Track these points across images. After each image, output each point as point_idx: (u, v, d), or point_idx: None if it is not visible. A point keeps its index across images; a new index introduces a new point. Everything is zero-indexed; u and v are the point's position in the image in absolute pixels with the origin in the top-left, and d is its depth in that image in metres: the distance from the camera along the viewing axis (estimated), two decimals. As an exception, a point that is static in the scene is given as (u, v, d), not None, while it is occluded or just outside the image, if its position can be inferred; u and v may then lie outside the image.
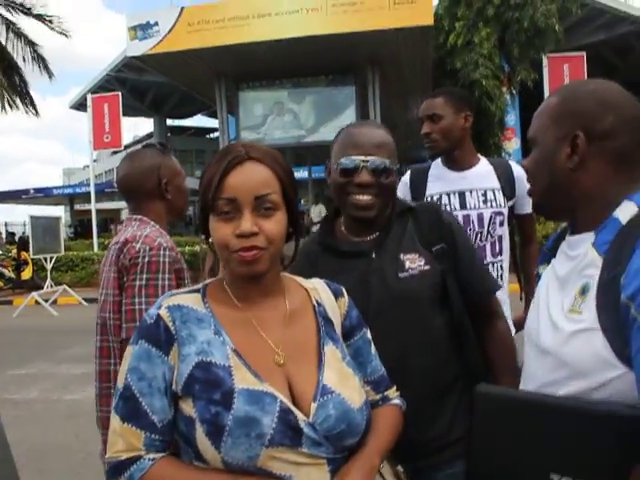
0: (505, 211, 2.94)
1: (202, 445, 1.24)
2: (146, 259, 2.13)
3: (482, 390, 1.46)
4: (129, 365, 1.33)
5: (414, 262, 1.87)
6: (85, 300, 13.75)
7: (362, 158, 1.84)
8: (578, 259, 1.36)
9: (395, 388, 1.60)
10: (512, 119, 18.89)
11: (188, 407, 1.28)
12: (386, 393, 1.57)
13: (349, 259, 1.90)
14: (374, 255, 1.88)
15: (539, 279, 1.60)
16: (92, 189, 18.19)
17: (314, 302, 1.50)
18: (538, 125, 1.46)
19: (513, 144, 20.57)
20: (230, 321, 1.38)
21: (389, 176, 1.86)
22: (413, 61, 15.04)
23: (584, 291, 1.29)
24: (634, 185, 1.34)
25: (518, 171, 2.94)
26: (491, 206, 2.90)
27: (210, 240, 1.39)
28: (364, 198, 1.85)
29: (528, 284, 3.12)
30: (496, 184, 2.94)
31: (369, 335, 1.58)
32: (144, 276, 2.12)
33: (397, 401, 1.58)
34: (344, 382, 1.37)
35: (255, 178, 1.33)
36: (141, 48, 14.74)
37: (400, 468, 1.53)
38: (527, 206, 2.98)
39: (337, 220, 2.06)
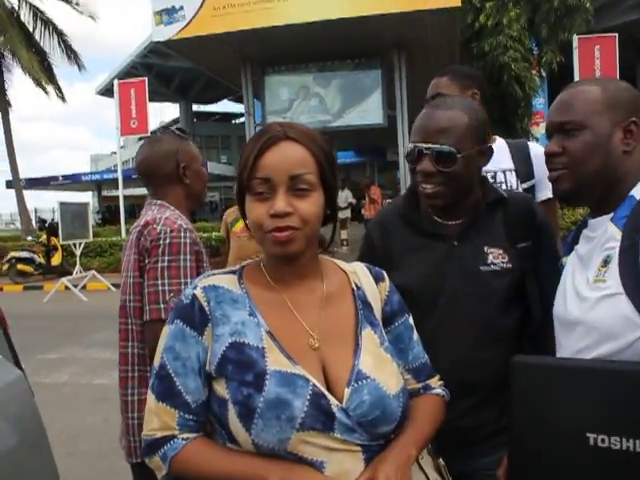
0: None
1: (234, 427, 1.24)
2: (167, 241, 2.11)
3: (519, 360, 1.49)
4: (165, 344, 1.35)
5: (497, 257, 1.82)
6: (114, 285, 13.87)
7: (423, 145, 1.77)
8: (598, 237, 1.51)
9: (438, 377, 1.56)
10: (540, 102, 18.54)
11: (221, 388, 1.28)
12: (428, 382, 1.53)
13: (429, 239, 1.85)
14: (456, 242, 1.83)
15: (561, 269, 1.71)
16: (119, 175, 18.28)
17: (353, 285, 1.46)
18: (586, 110, 1.50)
19: (541, 129, 20.24)
20: (265, 302, 1.37)
21: (453, 164, 1.75)
22: (440, 44, 14.85)
23: (606, 262, 1.43)
24: None
25: (537, 151, 2.74)
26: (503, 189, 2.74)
27: (247, 222, 1.37)
28: (427, 187, 1.78)
29: None
30: (509, 164, 2.78)
31: (411, 321, 1.54)
32: (166, 258, 2.10)
33: (439, 390, 1.54)
34: (381, 367, 1.34)
35: (290, 158, 1.30)
36: (167, 33, 14.75)
37: (441, 461, 1.49)
38: (547, 190, 2.70)
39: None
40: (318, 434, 1.23)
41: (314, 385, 1.25)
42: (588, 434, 1.33)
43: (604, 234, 1.48)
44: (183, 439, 1.31)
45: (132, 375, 2.21)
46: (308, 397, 1.23)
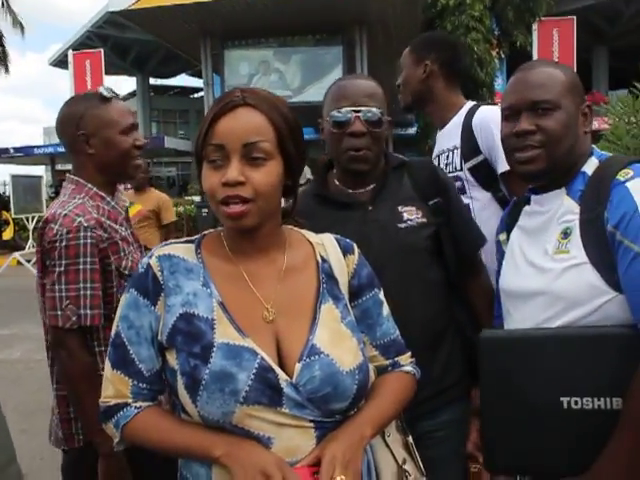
0: (463, 175, 2.53)
1: (183, 398, 1.24)
2: (64, 243, 1.93)
3: (487, 335, 1.56)
4: (120, 313, 1.34)
5: (411, 214, 1.90)
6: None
7: (354, 109, 1.86)
8: (552, 211, 1.59)
9: (409, 354, 1.54)
10: (499, 83, 18.73)
11: (172, 358, 1.28)
12: (397, 359, 1.50)
13: (345, 210, 1.90)
14: (370, 207, 1.90)
15: (498, 246, 1.86)
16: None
17: (318, 258, 1.43)
18: (558, 91, 1.57)
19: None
20: (221, 274, 1.34)
21: (381, 125, 1.89)
22: (401, 22, 14.86)
23: (566, 234, 1.52)
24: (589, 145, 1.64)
25: (478, 121, 2.49)
26: (448, 171, 2.54)
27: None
28: (359, 146, 1.86)
29: None
30: (455, 141, 2.56)
31: (381, 296, 1.51)
32: (63, 262, 1.93)
33: (409, 368, 1.51)
34: (337, 342, 1.31)
35: (245, 124, 1.26)
36: (124, 3, 14.40)
37: (410, 439, 1.49)
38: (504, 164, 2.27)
39: (330, 174, 2.06)
40: (264, 408, 1.21)
41: (262, 358, 1.23)
42: (562, 398, 1.42)
43: (560, 207, 1.57)
44: (136, 407, 1.32)
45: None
46: (254, 371, 1.21)
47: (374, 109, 1.87)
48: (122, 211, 2.18)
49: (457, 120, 2.59)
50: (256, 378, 1.21)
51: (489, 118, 2.45)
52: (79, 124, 2.08)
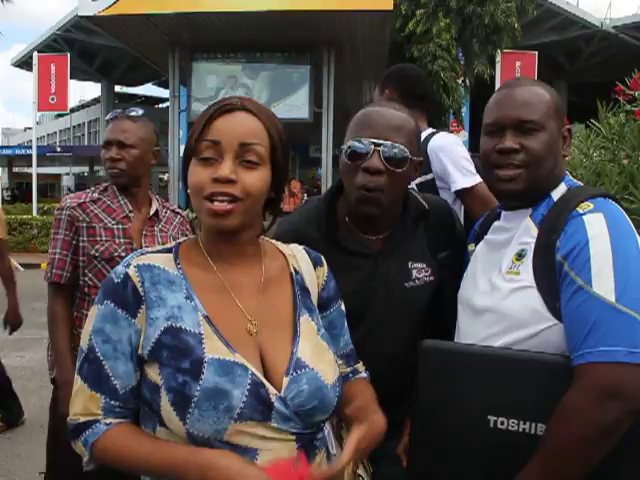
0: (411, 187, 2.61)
1: (167, 415, 1.19)
2: (54, 217, 2.60)
3: (427, 344, 1.55)
4: (94, 326, 1.27)
5: (421, 272, 1.81)
6: (22, 265, 13.35)
7: (375, 141, 1.66)
8: (514, 229, 1.61)
9: (362, 362, 1.61)
10: (462, 111, 19.11)
11: (154, 373, 1.22)
12: (356, 366, 1.58)
13: (352, 257, 1.77)
14: (380, 259, 1.78)
15: (466, 257, 1.83)
16: (34, 152, 17.60)
17: (292, 270, 1.43)
18: (542, 113, 1.56)
19: (461, 136, 20.86)
20: (202, 285, 1.30)
21: (404, 165, 1.67)
22: (370, 46, 15.03)
23: (521, 256, 1.53)
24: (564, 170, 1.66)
25: (434, 144, 2.69)
26: None
27: (189, 191, 1.29)
28: (372, 186, 1.66)
29: None
30: None
31: (343, 307, 1.54)
32: (52, 230, 2.60)
33: (365, 374, 1.59)
34: (319, 356, 1.32)
35: (244, 125, 1.26)
36: (93, 8, 14.27)
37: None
38: (457, 183, 2.67)
39: (340, 200, 1.86)
40: (256, 424, 1.20)
41: (253, 374, 1.21)
42: (489, 416, 1.44)
43: (521, 228, 1.58)
44: (105, 424, 1.25)
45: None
46: (247, 387, 1.19)
47: (399, 145, 1.65)
48: (126, 210, 2.60)
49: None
50: (250, 394, 1.19)
51: (440, 147, 2.66)
52: None
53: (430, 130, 2.87)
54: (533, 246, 1.51)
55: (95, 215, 2.53)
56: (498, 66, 15.80)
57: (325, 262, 1.52)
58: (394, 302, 1.76)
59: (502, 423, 1.43)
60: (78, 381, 1.28)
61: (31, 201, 17.76)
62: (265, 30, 13.94)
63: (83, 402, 1.27)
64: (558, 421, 1.33)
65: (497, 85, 15.51)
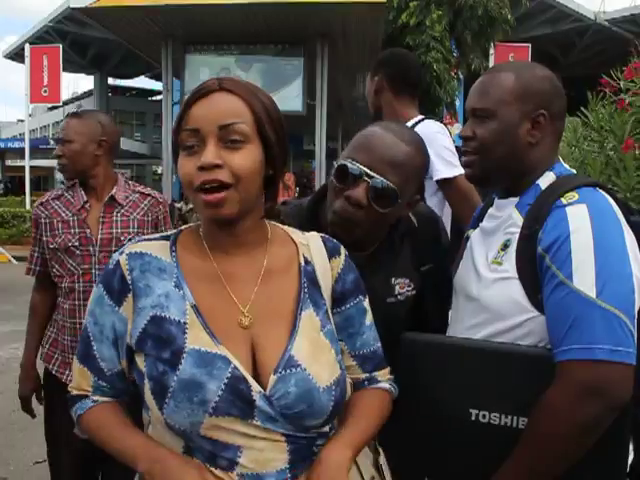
0: None
1: (149, 402, 1.18)
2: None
3: (409, 337, 1.54)
4: (90, 306, 1.30)
5: (403, 287, 1.76)
6: (15, 258, 13.34)
7: (367, 170, 1.53)
8: (502, 218, 1.59)
9: (389, 370, 1.45)
10: (456, 104, 19.14)
11: (140, 361, 1.22)
12: (375, 373, 1.41)
13: None
14: (363, 274, 1.64)
15: (465, 241, 1.80)
16: (26, 145, 17.54)
17: (301, 260, 1.33)
18: (496, 99, 1.54)
19: (455, 129, 20.90)
20: (196, 273, 1.26)
21: (389, 206, 1.55)
22: (363, 38, 15.01)
23: (505, 246, 1.51)
24: (556, 157, 1.60)
25: (419, 132, 2.64)
26: None
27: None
28: (347, 216, 1.55)
29: None
30: None
31: (366, 304, 1.40)
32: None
33: (386, 385, 1.41)
34: (316, 355, 1.22)
35: (221, 106, 1.19)
36: (86, 0, 14.21)
37: (382, 459, 1.40)
38: (440, 172, 2.68)
39: (322, 207, 1.73)
40: (235, 420, 1.14)
41: (235, 368, 1.15)
42: (471, 410, 1.43)
43: (508, 218, 1.56)
44: (92, 401, 1.29)
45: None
46: (225, 380, 1.13)
47: (390, 184, 1.52)
48: (82, 200, 2.69)
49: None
50: (227, 389, 1.13)
51: (424, 135, 2.64)
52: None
53: (418, 117, 2.86)
54: (517, 236, 1.49)
55: (54, 211, 2.68)
56: (492, 58, 15.81)
57: (344, 253, 1.39)
58: (376, 318, 1.59)
59: (484, 417, 1.42)
60: (75, 357, 1.33)
61: (24, 194, 17.71)
62: (258, 22, 13.91)
63: (76, 377, 1.32)
64: (539, 418, 1.33)
65: (490, 77, 15.54)
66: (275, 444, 1.16)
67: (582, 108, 3.70)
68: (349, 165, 1.54)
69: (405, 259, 1.77)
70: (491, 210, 1.70)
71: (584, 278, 1.32)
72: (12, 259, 13.37)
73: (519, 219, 1.52)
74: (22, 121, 25.14)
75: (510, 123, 1.53)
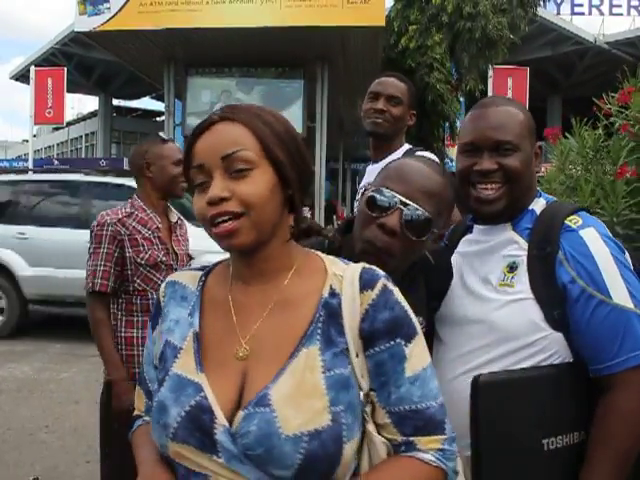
0: None
1: None
2: (93, 232, 2.88)
3: (485, 379, 1.48)
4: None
5: (420, 326, 1.66)
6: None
7: (401, 198, 1.48)
8: (496, 242, 1.65)
9: (442, 439, 1.16)
10: (457, 125, 19.29)
11: None
12: (415, 438, 1.15)
13: None
14: None
15: None
16: (30, 165, 17.66)
17: (325, 291, 1.19)
18: (517, 133, 1.61)
19: (455, 150, 21.05)
20: (213, 302, 1.25)
21: (423, 234, 1.49)
22: (362, 60, 15.17)
23: (512, 268, 1.57)
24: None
25: None
26: None
27: None
28: (380, 245, 1.49)
29: None
30: None
31: (407, 351, 1.16)
32: (91, 246, 2.88)
33: (429, 456, 1.14)
34: (297, 399, 1.08)
35: (221, 137, 1.15)
36: (89, 24, 14.40)
37: None
38: None
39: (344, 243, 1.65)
40: (196, 451, 1.10)
41: (204, 397, 1.11)
42: (543, 441, 1.46)
43: (507, 241, 1.63)
44: (143, 420, 1.35)
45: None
46: (187, 408, 1.11)
47: (425, 212, 1.47)
48: (157, 221, 2.98)
49: (393, 159, 2.71)
50: (187, 416, 1.10)
51: None
52: (145, 157, 2.98)
53: (407, 146, 2.89)
54: (525, 259, 1.56)
55: (133, 227, 2.89)
56: (490, 81, 15.94)
57: (383, 285, 1.19)
58: None
59: (552, 443, 1.47)
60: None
61: (27, 214, 17.80)
62: (259, 45, 14.07)
63: (136, 398, 1.39)
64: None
65: (489, 100, 15.66)
66: None
67: (567, 133, 3.76)
68: (380, 195, 1.50)
69: (421, 296, 1.69)
70: (470, 237, 1.77)
71: (619, 293, 1.46)
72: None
73: (523, 242, 1.60)
74: (27, 141, 25.34)
75: (528, 155, 1.63)
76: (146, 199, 3.01)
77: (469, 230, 1.78)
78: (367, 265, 1.23)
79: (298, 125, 15.79)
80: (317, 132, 15.66)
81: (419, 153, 2.73)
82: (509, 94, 15.84)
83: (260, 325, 1.18)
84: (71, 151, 47.50)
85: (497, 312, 1.56)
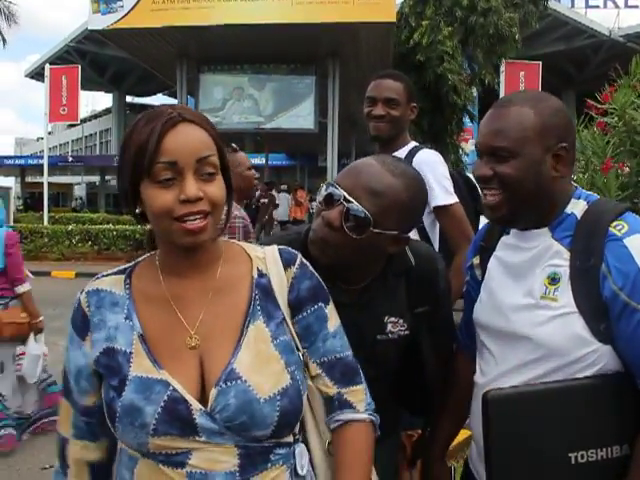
0: None
1: (109, 424, 1.26)
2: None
3: (494, 396, 1.47)
4: (67, 344, 1.36)
5: (396, 326, 1.73)
6: (32, 273, 13.49)
7: (345, 195, 1.54)
8: (535, 250, 1.54)
9: (363, 388, 1.42)
10: (469, 120, 19.20)
11: (102, 388, 1.30)
12: (345, 389, 1.39)
13: None
14: (355, 310, 1.65)
15: (470, 270, 1.79)
16: (45, 162, 17.85)
17: (254, 273, 1.35)
18: (517, 138, 1.49)
19: (470, 145, 20.91)
20: (148, 302, 1.30)
21: (361, 233, 1.53)
22: (373, 56, 15.19)
23: (554, 280, 1.48)
24: (572, 184, 1.59)
25: (421, 157, 2.71)
26: None
27: (137, 211, 1.26)
28: (319, 235, 1.57)
29: None
30: None
31: (327, 311, 1.39)
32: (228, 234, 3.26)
33: (364, 415, 1.39)
34: (260, 367, 1.24)
35: (195, 140, 1.22)
36: (103, 22, 14.53)
37: None
38: (439, 198, 2.69)
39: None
40: (177, 438, 1.19)
41: (173, 390, 1.20)
42: (570, 454, 1.41)
43: (547, 249, 1.52)
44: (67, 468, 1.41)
45: None
46: (162, 404, 1.19)
47: (365, 212, 1.51)
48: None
49: (399, 155, 2.69)
50: (164, 411, 1.18)
51: (426, 162, 2.68)
52: None
53: (413, 143, 2.91)
54: (568, 270, 1.47)
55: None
56: (502, 76, 15.89)
57: (300, 262, 1.39)
58: (364, 352, 1.54)
59: (582, 457, 1.41)
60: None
61: (43, 210, 17.97)
62: (270, 42, 14.14)
63: (61, 413, 1.40)
64: None
65: (501, 94, 15.62)
66: (225, 449, 1.21)
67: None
68: (332, 189, 1.57)
69: (400, 298, 1.73)
70: (509, 240, 1.66)
71: None
72: (29, 274, 13.56)
73: (564, 251, 1.50)
74: (42, 139, 25.61)
75: (534, 160, 1.49)
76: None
77: (505, 231, 1.68)
78: (280, 246, 1.42)
79: (310, 121, 15.86)
80: (329, 128, 15.72)
81: (421, 151, 2.79)
82: (521, 88, 15.81)
83: (205, 314, 1.28)
84: (86, 148, 47.85)
85: (542, 328, 1.49)
